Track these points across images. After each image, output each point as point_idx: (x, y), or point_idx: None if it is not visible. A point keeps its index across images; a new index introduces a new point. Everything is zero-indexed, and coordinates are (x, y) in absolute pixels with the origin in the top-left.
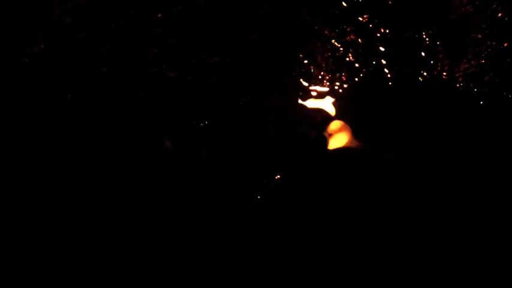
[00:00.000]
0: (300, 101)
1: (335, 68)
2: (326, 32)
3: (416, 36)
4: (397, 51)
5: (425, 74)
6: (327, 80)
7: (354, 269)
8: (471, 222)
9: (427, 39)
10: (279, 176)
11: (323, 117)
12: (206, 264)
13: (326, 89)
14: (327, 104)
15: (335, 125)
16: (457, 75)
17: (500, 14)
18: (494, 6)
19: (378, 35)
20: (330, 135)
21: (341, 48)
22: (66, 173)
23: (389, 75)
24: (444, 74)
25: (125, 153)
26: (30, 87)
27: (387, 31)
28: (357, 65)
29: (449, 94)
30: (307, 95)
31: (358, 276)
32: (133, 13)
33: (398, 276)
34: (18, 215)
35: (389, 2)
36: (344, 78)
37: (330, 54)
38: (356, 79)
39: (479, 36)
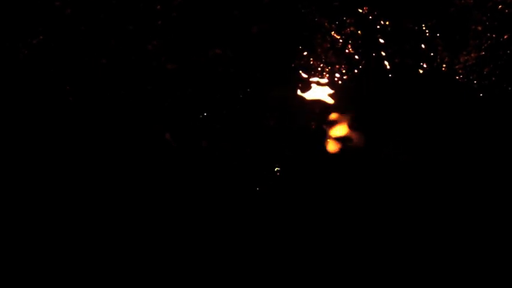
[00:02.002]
0: (299, 93)
1: (335, 60)
2: (326, 23)
3: (416, 28)
4: (396, 43)
5: (425, 66)
6: (327, 72)
7: (354, 264)
8: (470, 216)
9: (426, 31)
10: (278, 168)
11: (323, 109)
12: (206, 257)
13: (326, 81)
14: (327, 96)
15: (335, 116)
16: (456, 67)
17: (500, 6)
18: None
19: (378, 27)
20: (330, 126)
21: (340, 40)
22: (67, 164)
23: (388, 67)
24: (444, 66)
25: (126, 146)
26: (30, 79)
27: (387, 23)
28: (356, 57)
29: (449, 86)
30: (306, 87)
31: (358, 273)
32: (134, 5)
33: (399, 275)
34: (17, 208)
35: None
36: (344, 70)
37: (329, 46)
38: (355, 71)
39: (479, 28)
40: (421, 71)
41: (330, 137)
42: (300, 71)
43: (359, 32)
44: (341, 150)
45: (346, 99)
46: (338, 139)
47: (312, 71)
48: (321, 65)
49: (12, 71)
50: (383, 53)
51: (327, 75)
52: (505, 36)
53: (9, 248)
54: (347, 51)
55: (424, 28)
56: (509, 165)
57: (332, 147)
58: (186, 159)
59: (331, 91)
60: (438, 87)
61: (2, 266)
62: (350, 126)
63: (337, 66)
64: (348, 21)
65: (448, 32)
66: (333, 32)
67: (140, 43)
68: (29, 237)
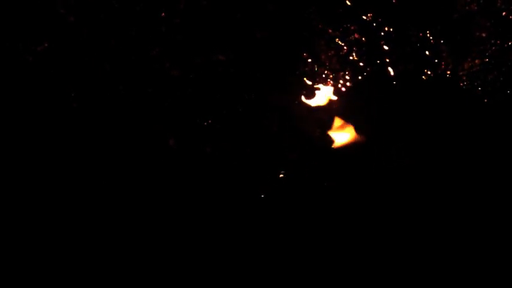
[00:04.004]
0: (303, 100)
1: (339, 66)
2: (330, 30)
3: (420, 34)
4: (400, 50)
5: (429, 72)
6: (331, 79)
7: (356, 269)
8: (473, 221)
9: (431, 37)
10: (282, 175)
11: (327, 116)
12: (208, 261)
13: (330, 88)
14: (331, 103)
15: (339, 123)
16: (460, 73)
17: (504, 13)
18: (499, 4)
19: (382, 33)
20: (334, 133)
21: (345, 47)
22: (71, 171)
23: (393, 74)
24: (448, 72)
25: (129, 152)
26: (34, 86)
27: (391, 30)
28: (360, 63)
29: (453, 93)
30: (311, 94)
31: (360, 276)
32: (137, 12)
33: (401, 277)
34: (18, 215)
35: (394, 1)
36: (348, 77)
37: (333, 53)
38: (360, 78)
39: (483, 35)
40: (425, 78)
41: (334, 144)
42: (304, 78)
43: (363, 38)
44: (345, 156)
45: (351, 106)
46: (342, 145)
47: (316, 78)
48: (325, 72)
49: (16, 78)
50: (387, 60)
51: (331, 82)
52: (509, 43)
53: (9, 248)
54: (351, 58)
55: (428, 35)
56: None
57: (336, 153)
58: (186, 159)
59: (336, 98)
60: (442, 93)
61: (2, 266)
62: (354, 133)
63: (341, 73)
64: (352, 28)
65: (452, 38)
66: (337, 39)
67: (144, 49)
68: (30, 238)
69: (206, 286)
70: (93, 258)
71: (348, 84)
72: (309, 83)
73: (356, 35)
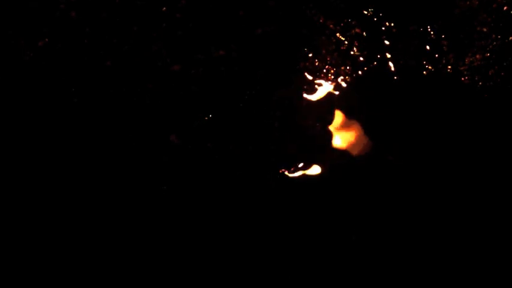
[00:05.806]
0: (304, 95)
1: (340, 61)
2: (331, 25)
3: (421, 29)
4: (401, 44)
5: (430, 67)
6: (332, 74)
7: (357, 267)
8: (473, 218)
9: (431, 32)
10: (283, 170)
11: (328, 111)
12: (211, 258)
13: (331, 83)
14: (332, 98)
15: (339, 118)
16: (461, 68)
17: (505, 8)
18: None
19: (383, 28)
20: (335, 128)
21: (346, 42)
22: (72, 166)
23: (393, 69)
24: (449, 67)
25: (130, 148)
26: (35, 81)
27: (392, 24)
28: (361, 58)
29: (453, 88)
30: (312, 89)
31: (361, 275)
32: (138, 7)
33: (399, 276)
34: (19, 212)
35: None
36: (349, 72)
37: (334, 47)
38: (360, 73)
39: (485, 29)
40: (425, 73)
41: (335, 139)
42: (305, 73)
43: (364, 33)
44: (346, 151)
45: (351, 101)
46: (343, 141)
47: (317, 73)
48: (326, 67)
49: (17, 73)
50: (388, 55)
51: (332, 77)
52: (510, 38)
53: (9, 248)
54: (352, 53)
55: (429, 29)
56: None
57: (337, 148)
58: (190, 158)
59: (337, 93)
60: (443, 88)
61: (2, 266)
62: (355, 128)
63: (342, 68)
64: (353, 22)
65: (453, 33)
66: (338, 34)
67: (145, 45)
68: (29, 237)
69: (206, 283)
70: (94, 256)
71: (348, 79)
72: (310, 78)
73: (357, 30)
